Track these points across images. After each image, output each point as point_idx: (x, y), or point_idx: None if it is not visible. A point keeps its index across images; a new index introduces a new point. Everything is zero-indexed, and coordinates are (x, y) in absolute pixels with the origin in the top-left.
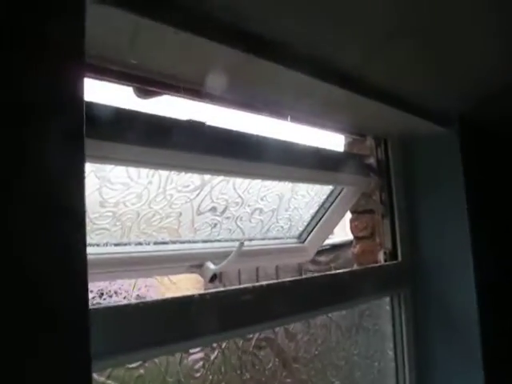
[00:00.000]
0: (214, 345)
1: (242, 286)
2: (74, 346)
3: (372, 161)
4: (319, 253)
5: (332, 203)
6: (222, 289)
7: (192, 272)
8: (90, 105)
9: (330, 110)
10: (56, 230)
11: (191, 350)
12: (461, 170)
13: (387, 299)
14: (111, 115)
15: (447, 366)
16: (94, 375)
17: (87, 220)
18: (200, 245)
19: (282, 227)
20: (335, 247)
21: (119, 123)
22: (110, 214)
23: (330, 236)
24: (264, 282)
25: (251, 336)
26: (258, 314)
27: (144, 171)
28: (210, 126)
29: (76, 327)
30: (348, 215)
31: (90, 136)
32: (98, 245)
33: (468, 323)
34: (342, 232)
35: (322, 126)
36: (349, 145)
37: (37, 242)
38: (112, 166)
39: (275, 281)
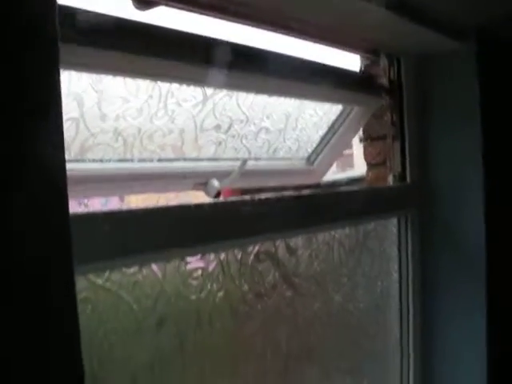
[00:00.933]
0: (212, 256)
1: (241, 199)
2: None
3: (384, 80)
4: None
5: (341, 124)
6: (221, 200)
7: (197, 189)
8: (85, 12)
9: (344, 23)
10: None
11: (189, 260)
12: (476, 90)
13: (394, 221)
14: (108, 23)
15: (451, 289)
16: (92, 277)
17: (88, 134)
18: (205, 163)
19: (289, 148)
20: (354, 181)
21: (116, 31)
22: (111, 128)
23: (350, 169)
24: (264, 195)
25: (251, 249)
26: (258, 226)
27: (143, 85)
28: (210, 38)
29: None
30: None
31: (84, 44)
32: (101, 160)
33: (474, 248)
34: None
35: (335, 42)
36: (364, 67)
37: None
38: (110, 79)
39: (276, 194)
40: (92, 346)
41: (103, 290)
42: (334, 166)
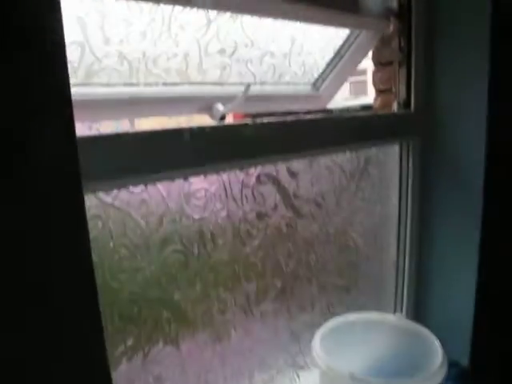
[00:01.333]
0: (215, 178)
1: (242, 122)
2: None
3: (393, 3)
4: None
5: (348, 49)
6: (222, 123)
7: (201, 113)
8: None
9: None
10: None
11: (193, 181)
12: (487, 15)
13: (396, 148)
14: None
15: (448, 215)
16: (102, 196)
17: (94, 59)
18: (210, 87)
19: (295, 73)
20: (366, 108)
21: None
22: (116, 52)
23: (363, 96)
24: (266, 119)
25: (252, 171)
26: (259, 149)
27: (146, 8)
28: None
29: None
30: None
31: None
32: (107, 85)
33: (474, 177)
34: None
35: None
36: None
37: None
38: (112, 1)
39: (277, 118)
40: (104, 258)
41: (112, 208)
42: (348, 92)
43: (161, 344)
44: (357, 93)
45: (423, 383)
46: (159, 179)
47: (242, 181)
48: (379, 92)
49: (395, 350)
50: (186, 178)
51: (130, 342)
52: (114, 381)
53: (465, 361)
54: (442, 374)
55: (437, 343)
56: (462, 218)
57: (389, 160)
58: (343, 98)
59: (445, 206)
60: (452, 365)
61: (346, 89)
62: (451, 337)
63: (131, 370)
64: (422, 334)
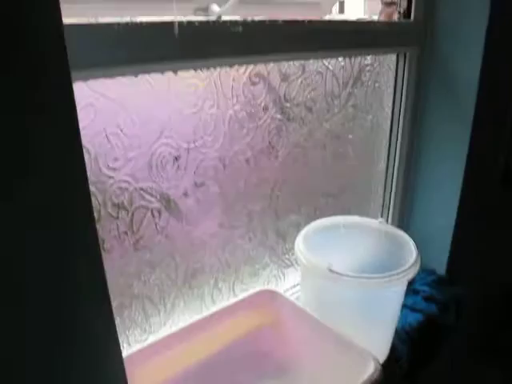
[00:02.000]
0: (206, 74)
1: (232, 19)
2: None
3: None
4: None
5: None
6: (211, 18)
7: (197, 14)
8: None
9: None
10: None
11: (182, 75)
12: None
13: (393, 57)
14: None
15: (439, 132)
16: (93, 84)
17: None
18: None
19: None
20: None
21: None
22: None
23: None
24: (257, 18)
25: (243, 70)
26: (249, 47)
27: None
28: None
29: None
30: None
31: None
32: None
33: (467, 95)
34: None
35: None
36: None
37: None
38: None
39: (270, 18)
40: (96, 146)
41: (104, 98)
42: (362, 12)
43: (152, 231)
44: (372, 12)
45: (394, 279)
46: (148, 71)
47: (233, 79)
48: (385, 4)
49: (375, 252)
50: (175, 71)
51: (122, 228)
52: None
53: (441, 270)
54: (413, 272)
55: (412, 244)
56: (453, 134)
57: (384, 70)
58: (356, 16)
59: (437, 120)
60: (430, 273)
61: (360, 8)
62: (431, 247)
63: (123, 254)
64: (400, 238)
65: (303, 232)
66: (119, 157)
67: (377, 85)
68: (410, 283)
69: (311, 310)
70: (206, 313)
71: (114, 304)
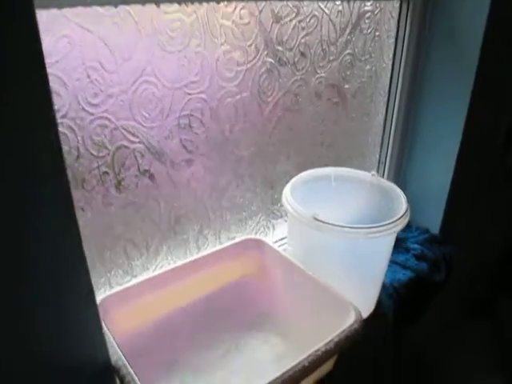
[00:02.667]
0: (192, 8)
1: None
2: None
3: None
4: None
5: None
6: None
7: None
8: None
9: None
10: None
11: (166, 10)
12: None
13: (396, 5)
14: None
15: (439, 86)
16: (70, 15)
17: None
18: None
19: None
20: None
21: None
22: None
23: None
24: None
25: (233, 8)
26: None
27: None
28: None
29: None
30: None
31: None
32: None
33: (470, 50)
34: None
35: None
36: None
37: None
38: None
39: None
40: (72, 78)
41: (81, 28)
42: None
43: (134, 172)
44: None
45: (380, 230)
46: (128, 1)
47: (221, 16)
48: None
49: (367, 205)
50: (157, 3)
51: (103, 168)
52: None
53: (436, 230)
54: (400, 224)
55: (403, 197)
56: (454, 90)
57: (385, 18)
58: None
59: (438, 74)
60: (424, 231)
61: None
62: (426, 205)
63: (105, 195)
64: (392, 192)
65: (292, 181)
66: (99, 93)
67: (377, 33)
68: (403, 241)
69: (298, 261)
70: (189, 258)
71: (94, 244)
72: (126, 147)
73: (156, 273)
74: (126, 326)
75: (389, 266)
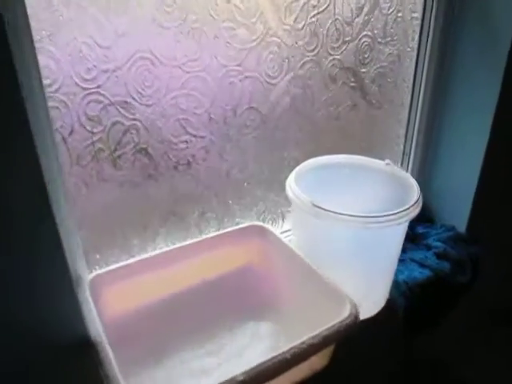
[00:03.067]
0: None
1: None
2: None
3: None
4: None
5: None
6: None
7: None
8: None
9: None
10: None
11: None
12: None
13: None
14: None
15: (468, 79)
16: None
17: None
18: None
19: None
20: None
21: None
22: None
23: None
24: None
25: None
26: None
27: None
28: None
29: None
30: None
31: None
32: None
33: (503, 36)
34: None
35: None
36: None
37: None
38: None
39: None
40: (65, 53)
41: (75, 4)
42: None
43: (131, 149)
44: None
45: (386, 220)
46: None
47: None
48: None
49: (380, 195)
50: None
51: (98, 144)
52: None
53: (462, 228)
54: (408, 215)
55: (415, 186)
56: (483, 79)
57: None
58: None
59: (467, 63)
60: (449, 229)
61: None
62: (452, 202)
63: (100, 172)
64: (405, 181)
65: (298, 168)
66: (92, 68)
67: (399, 14)
68: (424, 237)
69: (301, 251)
70: (188, 241)
71: (90, 220)
72: (121, 124)
73: (152, 253)
74: (117, 305)
75: (406, 263)
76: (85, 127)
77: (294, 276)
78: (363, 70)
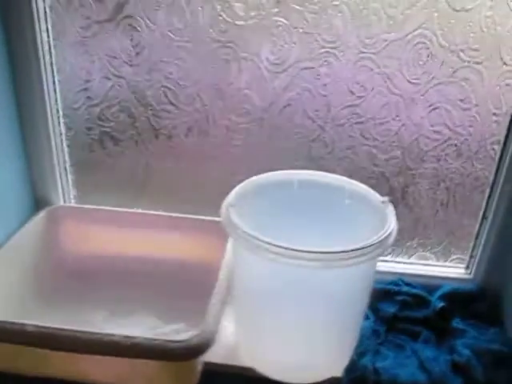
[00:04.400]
0: None
1: None
2: None
3: None
4: None
5: None
6: None
7: None
8: None
9: None
10: None
11: None
12: None
13: None
14: None
15: None
16: None
17: None
18: None
19: None
20: None
21: None
22: None
23: None
24: None
25: None
26: None
27: None
28: None
29: None
30: None
31: None
32: None
33: None
34: None
35: None
36: None
37: None
38: None
39: None
40: None
41: None
42: None
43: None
44: None
45: (329, 259)
46: None
47: None
48: None
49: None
50: None
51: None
52: None
53: None
54: (373, 253)
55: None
56: None
57: None
58: None
59: None
60: (503, 341)
61: None
62: None
63: None
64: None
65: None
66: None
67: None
68: (456, 335)
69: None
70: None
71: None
72: (108, 79)
73: (119, 209)
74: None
75: (405, 351)
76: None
77: None
78: None
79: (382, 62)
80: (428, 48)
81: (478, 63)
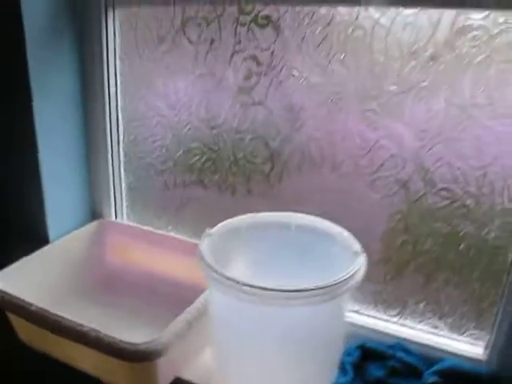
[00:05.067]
0: None
1: None
2: None
3: None
4: None
5: None
6: None
7: None
8: None
9: None
10: None
11: None
12: None
13: None
14: None
15: None
16: None
17: None
18: None
19: None
20: None
21: None
22: None
23: None
24: None
25: None
26: None
27: None
28: None
29: None
30: None
31: None
32: None
33: None
34: None
35: None
36: None
37: None
38: None
39: None
40: None
41: None
42: None
43: None
44: None
45: (291, 297)
46: None
47: None
48: None
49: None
50: None
51: None
52: None
53: None
54: (339, 290)
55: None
56: None
57: None
58: None
59: None
60: None
61: None
62: None
63: None
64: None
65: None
66: None
67: None
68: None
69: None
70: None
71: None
72: None
73: (159, 231)
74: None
75: None
76: None
77: None
78: None
79: None
80: None
81: None
